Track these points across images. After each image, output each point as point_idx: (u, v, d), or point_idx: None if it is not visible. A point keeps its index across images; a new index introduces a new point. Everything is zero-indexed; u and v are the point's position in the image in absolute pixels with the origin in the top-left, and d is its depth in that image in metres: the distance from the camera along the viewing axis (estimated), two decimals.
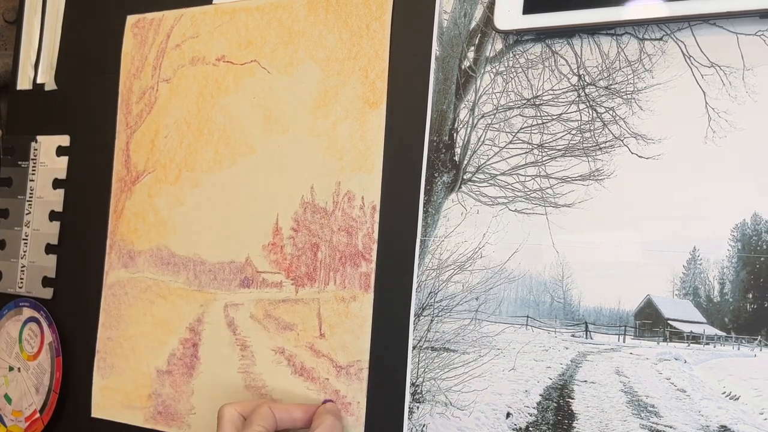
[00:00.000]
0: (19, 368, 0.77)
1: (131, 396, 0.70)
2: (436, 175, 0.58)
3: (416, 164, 0.59)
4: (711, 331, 0.49)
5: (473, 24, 0.58)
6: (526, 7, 0.54)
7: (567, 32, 0.54)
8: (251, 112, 0.67)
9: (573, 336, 0.53)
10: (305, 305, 0.63)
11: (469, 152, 0.57)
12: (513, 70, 0.56)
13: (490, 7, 0.57)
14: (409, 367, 0.58)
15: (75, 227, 0.77)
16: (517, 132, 0.56)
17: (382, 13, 0.61)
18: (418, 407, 0.57)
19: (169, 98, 0.72)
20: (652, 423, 0.49)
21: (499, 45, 0.57)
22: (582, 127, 0.54)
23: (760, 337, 0.48)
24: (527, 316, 0.55)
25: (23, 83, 0.82)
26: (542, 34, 0.55)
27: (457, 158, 0.58)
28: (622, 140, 0.52)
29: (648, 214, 0.51)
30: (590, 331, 0.52)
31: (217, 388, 0.66)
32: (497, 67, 0.57)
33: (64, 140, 0.78)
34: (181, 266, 0.69)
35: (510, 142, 0.56)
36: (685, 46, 0.51)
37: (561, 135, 0.54)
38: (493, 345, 0.55)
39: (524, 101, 0.56)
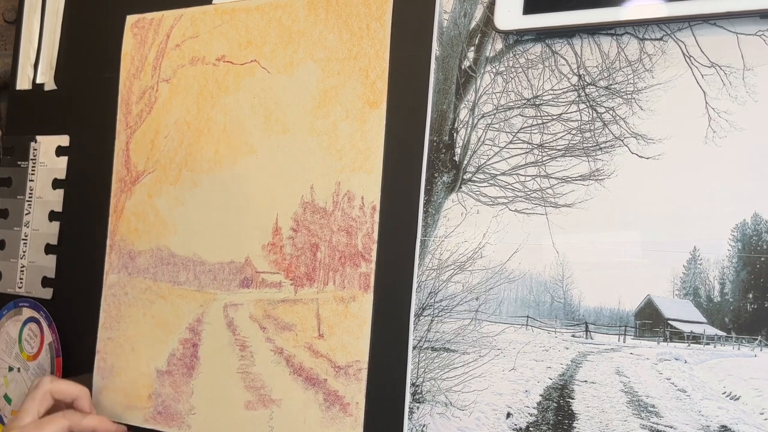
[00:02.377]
0: (18, 368, 0.77)
1: (131, 396, 0.70)
2: (436, 175, 0.58)
3: (416, 164, 0.59)
4: (711, 331, 0.49)
5: (473, 24, 0.58)
6: (526, 7, 0.54)
7: (567, 32, 0.54)
8: (251, 112, 0.67)
9: (573, 336, 0.53)
10: (304, 305, 0.63)
11: (469, 152, 0.57)
12: (513, 70, 0.56)
13: (491, 7, 0.57)
14: (410, 367, 0.58)
15: (75, 227, 0.77)
16: (517, 132, 0.56)
17: (383, 14, 0.61)
18: (418, 407, 0.57)
19: (169, 98, 0.72)
20: (653, 423, 0.49)
21: (499, 45, 0.57)
22: (582, 127, 0.54)
23: (760, 337, 0.47)
24: (527, 316, 0.54)
25: (23, 83, 0.82)
26: (542, 34, 0.55)
27: (457, 158, 0.58)
28: (622, 140, 0.52)
29: (648, 214, 0.51)
30: (590, 331, 0.52)
31: (216, 388, 0.66)
32: (497, 67, 0.57)
33: (64, 140, 0.78)
34: (181, 266, 0.69)
35: (510, 142, 0.56)
36: (685, 46, 0.51)
37: (561, 135, 0.54)
38: (493, 345, 0.55)
39: (524, 101, 0.56)
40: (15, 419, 0.63)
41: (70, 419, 0.63)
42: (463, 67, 0.58)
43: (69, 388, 0.65)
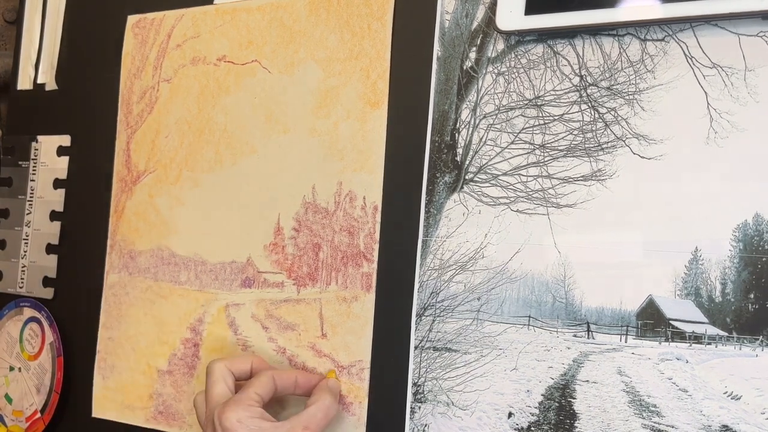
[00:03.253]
0: (19, 368, 0.77)
1: (132, 396, 0.70)
2: (437, 175, 0.58)
3: (418, 164, 0.59)
4: (713, 331, 0.49)
5: (475, 24, 0.58)
6: (528, 7, 0.54)
7: (569, 33, 0.55)
8: (252, 112, 0.67)
9: (575, 336, 0.53)
10: (307, 305, 0.63)
11: (470, 152, 0.57)
12: (515, 70, 0.57)
13: (492, 8, 0.57)
14: (411, 367, 0.58)
15: (75, 227, 0.77)
16: (519, 132, 0.56)
17: (384, 14, 0.62)
18: (419, 407, 0.57)
19: (170, 98, 0.72)
20: (654, 423, 0.50)
21: (500, 45, 0.57)
22: (584, 127, 0.54)
23: (761, 337, 0.48)
24: (529, 316, 0.55)
25: (24, 83, 0.82)
26: (544, 35, 0.55)
27: (458, 158, 0.58)
28: (624, 141, 0.52)
29: (650, 215, 0.51)
30: (592, 331, 0.52)
31: None
32: (499, 68, 0.57)
33: (65, 140, 0.78)
34: (182, 266, 0.69)
35: (512, 143, 0.56)
36: (686, 46, 0.51)
37: (563, 135, 0.54)
38: (494, 345, 0.55)
39: (526, 102, 0.56)
40: (209, 403, 0.57)
41: (273, 372, 0.58)
42: (464, 67, 0.58)
43: (243, 359, 0.60)
